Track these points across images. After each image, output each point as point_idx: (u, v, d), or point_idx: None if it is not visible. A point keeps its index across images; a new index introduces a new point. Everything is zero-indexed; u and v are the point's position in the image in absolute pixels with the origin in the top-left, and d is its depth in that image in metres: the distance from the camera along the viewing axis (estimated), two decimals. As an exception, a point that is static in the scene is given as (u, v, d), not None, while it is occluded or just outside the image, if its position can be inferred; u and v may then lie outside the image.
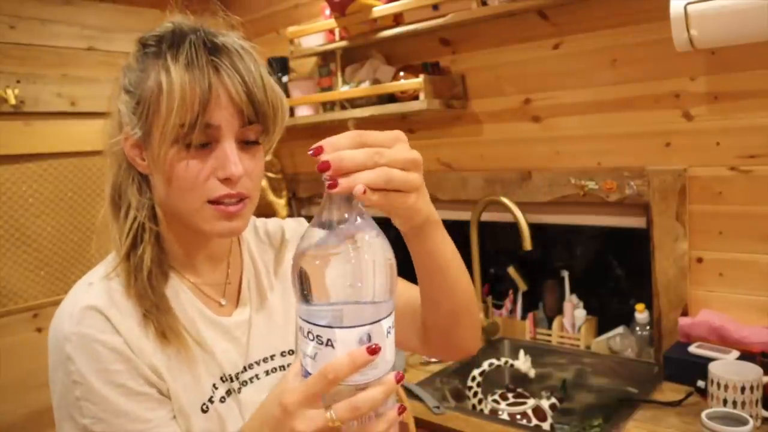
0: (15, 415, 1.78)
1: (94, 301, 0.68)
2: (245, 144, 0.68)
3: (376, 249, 0.48)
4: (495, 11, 1.51)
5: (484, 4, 1.54)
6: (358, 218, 0.49)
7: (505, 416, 1.37)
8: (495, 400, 1.41)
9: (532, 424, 1.34)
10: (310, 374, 0.49)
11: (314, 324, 0.47)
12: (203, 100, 0.62)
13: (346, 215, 0.49)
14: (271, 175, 2.28)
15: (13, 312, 1.78)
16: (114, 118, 0.71)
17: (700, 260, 1.40)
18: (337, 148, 0.49)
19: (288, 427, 0.50)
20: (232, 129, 0.65)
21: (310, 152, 0.50)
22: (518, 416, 1.36)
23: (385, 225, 0.54)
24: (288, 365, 0.79)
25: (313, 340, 0.48)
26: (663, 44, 1.31)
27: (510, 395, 1.43)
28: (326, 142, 0.49)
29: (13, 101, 1.73)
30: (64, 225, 1.87)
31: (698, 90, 1.36)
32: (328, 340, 0.47)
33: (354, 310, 0.47)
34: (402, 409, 0.54)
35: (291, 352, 0.82)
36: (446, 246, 0.66)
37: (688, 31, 1.20)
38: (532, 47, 1.59)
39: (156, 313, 0.67)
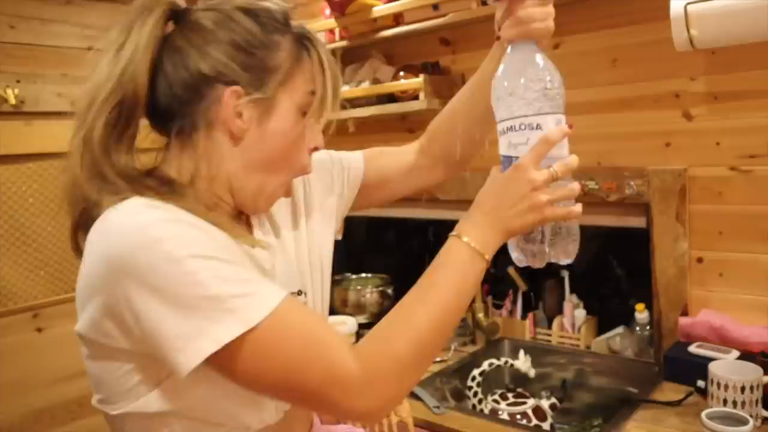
0: (15, 415, 1.78)
1: (162, 213, 0.61)
2: None
3: (555, 70, 0.77)
4: (495, 11, 1.51)
5: (484, 4, 1.54)
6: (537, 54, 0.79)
7: (505, 416, 1.37)
8: (495, 400, 1.41)
9: (532, 424, 1.34)
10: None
11: (524, 116, 0.72)
12: (334, 76, 0.74)
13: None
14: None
15: (13, 312, 1.78)
16: (197, 60, 0.68)
17: (700, 260, 1.40)
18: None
19: (524, 178, 0.68)
20: None
21: None
22: (518, 416, 1.36)
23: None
24: None
25: (525, 129, 0.72)
26: (663, 44, 1.31)
27: (510, 395, 1.43)
28: None
29: (13, 101, 1.73)
30: (64, 225, 1.85)
31: (698, 90, 1.36)
32: (537, 124, 0.71)
33: (550, 104, 0.72)
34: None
35: (300, 293, 0.82)
36: None
37: (688, 31, 1.20)
38: (532, 47, 1.59)
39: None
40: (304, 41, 0.73)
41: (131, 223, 0.60)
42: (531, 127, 0.71)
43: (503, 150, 0.75)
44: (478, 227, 0.71)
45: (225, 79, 0.68)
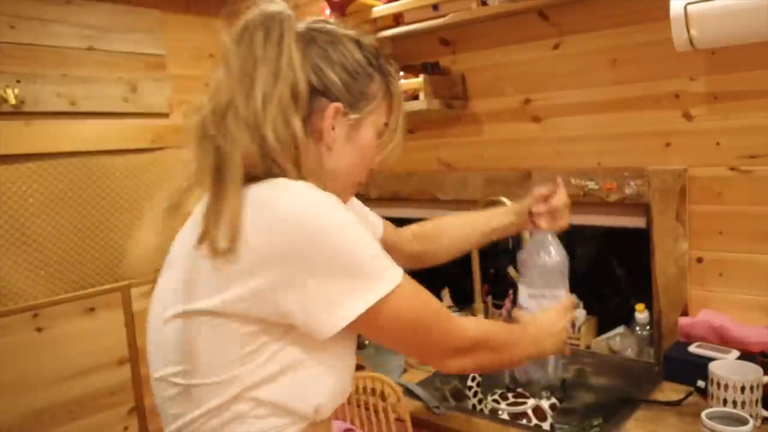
0: (15, 415, 1.78)
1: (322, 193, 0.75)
2: None
3: (564, 253, 1.14)
4: (495, 11, 1.51)
5: (484, 4, 1.54)
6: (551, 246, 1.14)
7: (505, 416, 1.37)
8: (495, 400, 1.41)
9: (532, 424, 1.34)
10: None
11: (547, 288, 1.12)
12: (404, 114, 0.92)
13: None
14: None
15: (13, 312, 1.78)
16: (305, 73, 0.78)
17: (700, 260, 1.40)
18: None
19: (564, 317, 1.05)
20: None
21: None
22: (518, 416, 1.36)
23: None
24: None
25: (547, 297, 1.12)
26: (663, 44, 1.31)
27: (510, 395, 1.42)
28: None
29: (13, 101, 1.73)
30: (64, 225, 1.87)
31: (698, 90, 1.36)
32: (556, 295, 1.12)
33: (564, 280, 1.13)
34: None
35: None
36: None
37: (688, 31, 1.20)
38: (532, 47, 1.59)
39: None
40: (389, 79, 0.88)
41: (307, 199, 0.72)
42: (553, 296, 1.11)
43: (524, 302, 1.15)
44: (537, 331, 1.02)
45: (331, 95, 0.80)
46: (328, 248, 0.70)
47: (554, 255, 1.12)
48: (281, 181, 0.73)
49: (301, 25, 0.82)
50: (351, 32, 0.86)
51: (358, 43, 0.85)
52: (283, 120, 0.74)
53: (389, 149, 0.90)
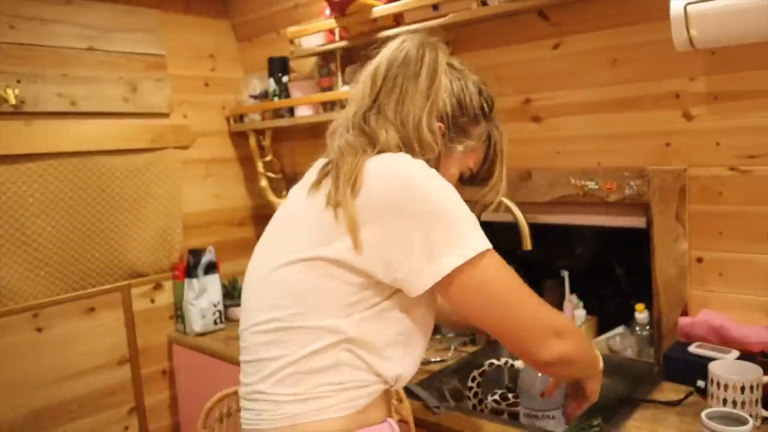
0: (15, 415, 1.78)
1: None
2: None
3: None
4: (495, 11, 1.51)
5: (484, 4, 1.54)
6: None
7: (504, 416, 1.37)
8: (495, 400, 1.42)
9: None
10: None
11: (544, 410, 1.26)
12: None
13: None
14: (271, 175, 2.28)
15: (13, 312, 1.78)
16: (428, 93, 0.91)
17: (700, 260, 1.40)
18: None
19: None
20: None
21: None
22: (518, 416, 1.36)
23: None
24: None
25: (546, 417, 1.26)
26: (663, 44, 1.31)
27: (510, 395, 1.43)
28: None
29: (13, 101, 1.73)
30: (64, 225, 1.87)
31: (698, 90, 1.36)
32: (554, 415, 1.25)
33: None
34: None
35: None
36: None
37: (688, 31, 1.20)
38: (532, 47, 1.59)
39: None
40: (494, 131, 1.01)
41: (419, 164, 0.84)
42: (548, 417, 1.25)
43: (522, 420, 1.29)
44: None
45: (438, 114, 0.92)
46: (433, 204, 0.80)
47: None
48: (399, 154, 0.86)
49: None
50: (476, 77, 0.99)
51: (479, 89, 0.98)
52: (426, 126, 0.89)
53: (491, 193, 1.03)
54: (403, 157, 0.85)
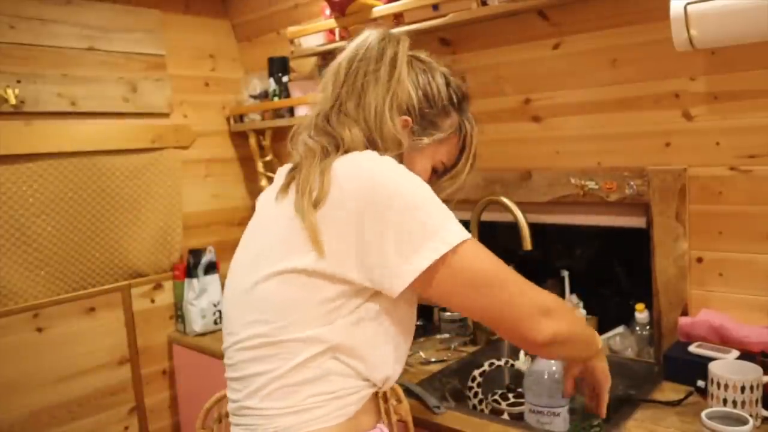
0: (15, 415, 1.78)
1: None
2: None
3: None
4: (495, 11, 1.51)
5: (484, 4, 1.54)
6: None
7: (505, 416, 1.37)
8: (495, 400, 1.41)
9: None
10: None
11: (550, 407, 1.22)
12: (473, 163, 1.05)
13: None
14: (271, 175, 2.28)
15: (13, 312, 1.78)
16: (390, 85, 0.89)
17: (700, 260, 1.40)
18: None
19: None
20: None
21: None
22: (518, 416, 1.36)
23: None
24: None
25: (550, 414, 1.23)
26: (663, 44, 1.31)
27: (510, 395, 1.43)
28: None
29: (13, 101, 1.73)
30: (64, 225, 1.87)
31: (698, 90, 1.36)
32: (558, 412, 1.23)
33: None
34: None
35: None
36: None
37: (688, 31, 1.20)
38: (532, 47, 1.59)
39: None
40: (465, 123, 1.00)
41: (387, 160, 0.82)
42: (554, 414, 1.22)
43: (527, 417, 1.26)
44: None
45: (402, 106, 0.90)
46: (404, 201, 0.78)
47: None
48: (365, 152, 0.84)
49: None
50: (445, 69, 0.98)
51: (447, 80, 0.96)
52: (388, 120, 0.88)
53: (448, 184, 1.00)
54: (370, 155, 0.83)
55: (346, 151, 0.85)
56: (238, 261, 0.92)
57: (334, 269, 0.79)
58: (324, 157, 0.84)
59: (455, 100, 0.97)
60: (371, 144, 0.87)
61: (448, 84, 0.97)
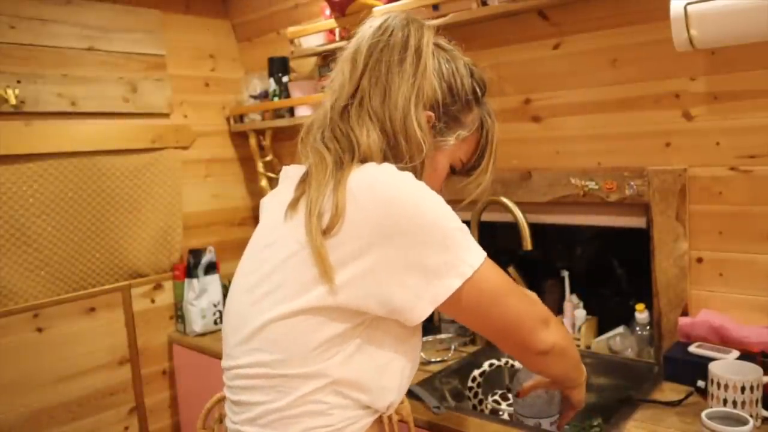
0: (15, 415, 1.78)
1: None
2: None
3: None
4: (495, 11, 1.51)
5: (484, 4, 1.54)
6: None
7: (505, 416, 1.37)
8: (495, 401, 1.41)
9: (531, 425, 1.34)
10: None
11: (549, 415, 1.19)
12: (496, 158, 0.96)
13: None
14: (271, 175, 2.28)
15: (13, 312, 1.78)
16: (415, 78, 0.82)
17: (700, 260, 1.40)
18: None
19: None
20: None
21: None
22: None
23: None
24: None
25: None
26: (663, 44, 1.31)
27: (510, 395, 1.42)
28: None
29: (13, 101, 1.73)
30: (64, 225, 1.87)
31: (698, 90, 1.36)
32: (553, 422, 1.19)
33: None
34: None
35: None
36: None
37: (688, 31, 1.20)
38: (532, 47, 1.59)
39: None
40: (486, 118, 0.92)
41: (400, 180, 0.76)
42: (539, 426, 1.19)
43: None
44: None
45: (427, 102, 0.83)
46: (425, 226, 0.74)
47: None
48: (383, 167, 0.78)
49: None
50: (467, 59, 0.90)
51: (470, 71, 0.89)
52: (414, 120, 0.81)
53: (473, 185, 0.94)
54: (388, 172, 0.77)
55: (362, 161, 0.78)
56: (245, 277, 0.86)
57: (348, 302, 0.75)
58: (337, 169, 0.77)
59: (479, 93, 0.90)
60: (391, 150, 0.80)
61: (472, 74, 0.89)
